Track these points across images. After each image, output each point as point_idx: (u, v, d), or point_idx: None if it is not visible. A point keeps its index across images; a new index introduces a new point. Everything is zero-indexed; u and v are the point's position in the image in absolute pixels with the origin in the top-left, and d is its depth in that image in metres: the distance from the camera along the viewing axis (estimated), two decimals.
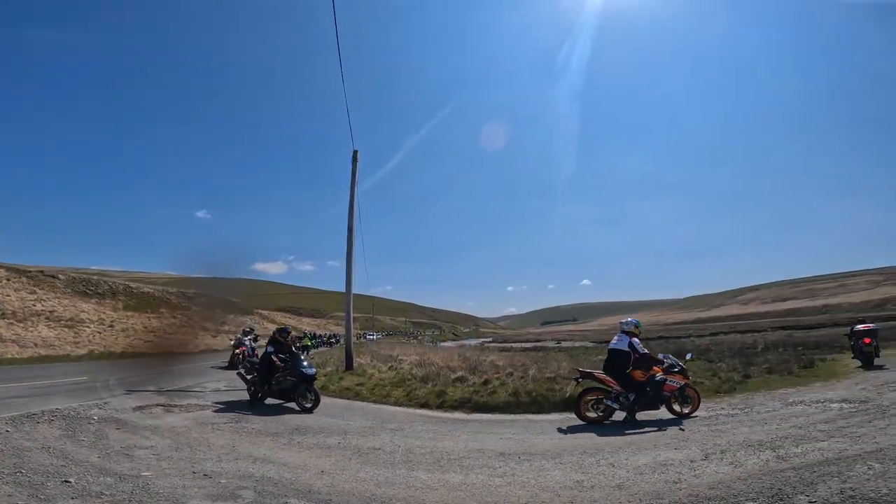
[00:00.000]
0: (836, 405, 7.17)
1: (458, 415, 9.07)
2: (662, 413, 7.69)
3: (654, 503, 3.93)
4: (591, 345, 43.95)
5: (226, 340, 21.75)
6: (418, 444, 6.40)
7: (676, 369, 7.81)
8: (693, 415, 7.52)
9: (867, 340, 12.41)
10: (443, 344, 57.34)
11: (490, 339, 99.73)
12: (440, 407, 9.77)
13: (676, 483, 4.34)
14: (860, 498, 3.38)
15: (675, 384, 7.65)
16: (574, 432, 6.97)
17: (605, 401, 7.57)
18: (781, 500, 3.61)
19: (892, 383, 8.70)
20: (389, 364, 14.92)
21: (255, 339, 19.46)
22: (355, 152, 16.54)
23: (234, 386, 11.62)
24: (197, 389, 11.40)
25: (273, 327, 15.49)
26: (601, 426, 7.26)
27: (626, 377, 7.63)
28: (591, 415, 7.63)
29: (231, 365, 16.85)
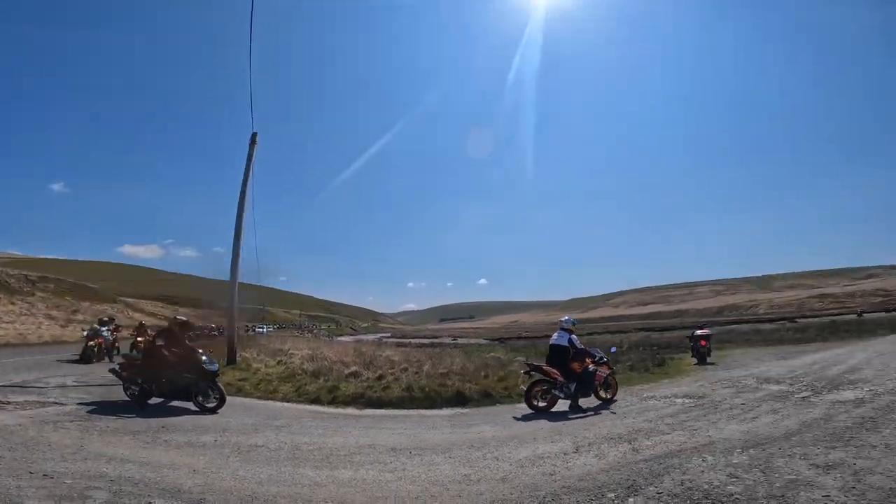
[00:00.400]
0: (679, 400, 8.32)
1: (350, 410, 8.94)
2: (591, 400, 8.62)
3: (533, 494, 4.15)
4: (484, 342, 45.92)
5: (78, 331, 18.86)
6: (306, 440, 6.20)
7: (604, 361, 8.94)
8: (614, 399, 8.76)
9: (703, 343, 15.12)
10: (339, 338, 55.88)
11: (388, 335, 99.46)
12: (332, 402, 9.52)
13: (552, 475, 4.64)
14: (696, 490, 3.89)
15: (602, 374, 8.77)
16: (463, 427, 7.26)
17: (553, 391, 8.34)
18: (636, 490, 4.02)
19: (723, 381, 10.37)
20: (278, 358, 14.13)
21: (117, 330, 17.47)
22: (254, 134, 15.53)
23: (85, 381, 10.30)
24: (37, 385, 9.81)
25: (140, 317, 13.75)
26: (550, 413, 8.01)
27: (567, 369, 8.47)
28: (540, 403, 8.31)
29: (83, 358, 14.82)
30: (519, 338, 56.75)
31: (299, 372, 11.75)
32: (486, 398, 9.65)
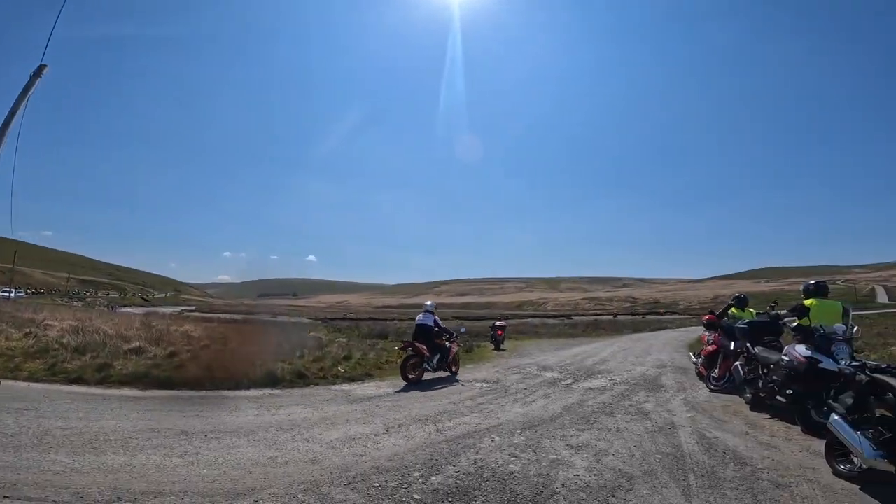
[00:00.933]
0: (479, 385, 9.37)
1: (127, 391, 7.62)
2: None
3: (343, 475, 4.19)
4: (307, 321, 44.13)
5: None
6: (60, 424, 5.22)
7: (454, 339, 10.88)
8: (457, 372, 10.46)
9: (500, 333, 18.39)
10: (124, 309, 47.07)
11: (193, 308, 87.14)
12: (102, 383, 7.95)
13: (362, 456, 4.76)
14: (486, 468, 4.41)
15: (455, 350, 10.59)
16: (271, 409, 6.90)
17: (423, 364, 9.67)
18: (438, 469, 4.37)
19: (514, 368, 12.04)
20: (27, 329, 11.19)
21: None
22: (42, 66, 11.93)
23: None
24: None
25: None
26: (419, 384, 9.21)
27: (433, 345, 10.02)
28: (411, 375, 9.41)
29: None
30: (343, 318, 56.30)
31: (56, 347, 9.52)
32: (300, 379, 9.28)
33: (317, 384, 9.13)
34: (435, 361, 9.86)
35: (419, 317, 10.59)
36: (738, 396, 7.32)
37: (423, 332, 10.16)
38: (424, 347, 9.77)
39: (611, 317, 70.42)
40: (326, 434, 5.58)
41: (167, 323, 15.44)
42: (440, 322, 10.60)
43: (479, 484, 4.02)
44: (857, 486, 3.75)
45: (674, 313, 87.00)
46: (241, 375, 8.80)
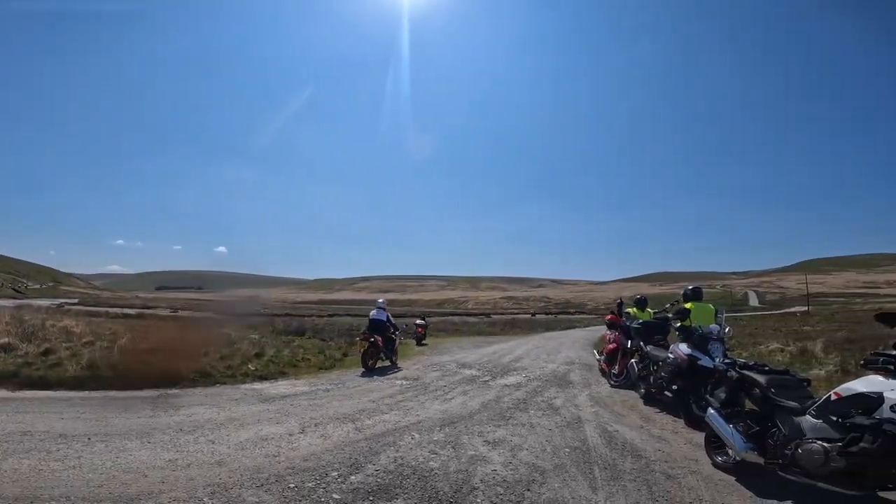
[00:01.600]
0: (399, 382, 9.33)
1: None
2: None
3: (254, 477, 4.02)
4: (216, 316, 40.73)
5: None
6: None
7: (399, 333, 12.47)
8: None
9: (420, 330, 19.16)
10: None
11: (75, 301, 76.67)
12: None
13: (276, 456, 4.58)
14: (406, 466, 4.40)
15: (398, 342, 12.09)
16: (170, 410, 6.37)
17: (379, 354, 10.96)
18: (357, 469, 4.29)
19: (434, 365, 12.15)
20: None
21: None
22: None
23: None
24: None
25: None
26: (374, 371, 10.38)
27: (386, 339, 11.31)
28: (371, 362, 10.63)
29: None
30: (259, 314, 52.92)
31: None
32: (205, 378, 8.61)
33: (224, 383, 8.55)
34: (390, 352, 11.44)
35: (373, 312, 11.92)
36: (634, 392, 7.98)
37: (376, 326, 11.39)
38: (380, 339, 10.99)
39: (528, 316, 74.03)
40: (235, 435, 5.29)
41: (42, 317, 13.54)
42: (391, 317, 12.05)
43: (400, 482, 4.00)
44: (734, 478, 4.06)
45: (582, 313, 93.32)
46: (132, 374, 7.96)
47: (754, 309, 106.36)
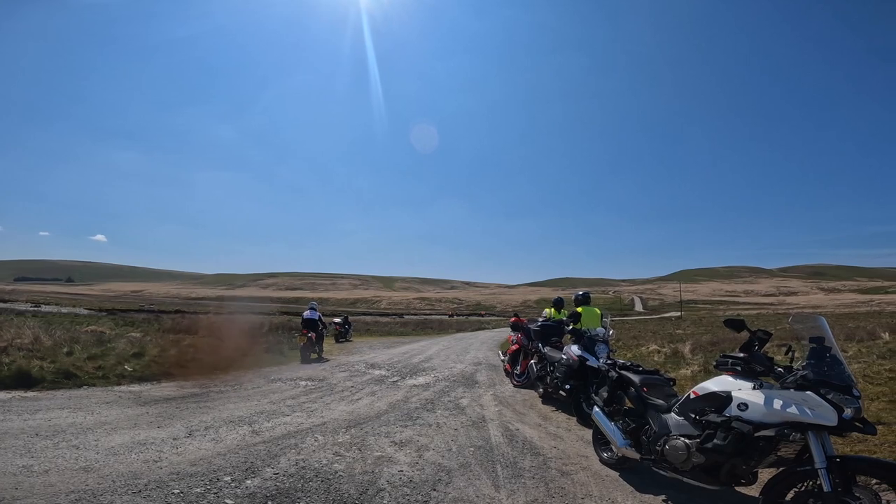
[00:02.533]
0: (303, 383, 8.89)
1: None
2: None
3: (130, 483, 3.65)
4: (85, 312, 35.66)
5: None
6: None
7: (327, 330, 14.77)
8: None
9: (338, 328, 19.70)
10: None
11: None
12: None
13: (157, 462, 4.18)
14: (308, 468, 4.17)
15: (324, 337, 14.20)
16: (24, 414, 5.53)
17: (314, 347, 13.32)
18: (254, 472, 4.01)
19: (342, 365, 11.79)
20: None
21: None
22: None
23: None
24: None
25: None
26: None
27: (319, 334, 13.61)
28: (312, 355, 12.96)
29: None
30: (140, 310, 47.40)
31: None
32: (69, 379, 7.55)
33: (93, 385, 7.56)
34: (319, 346, 13.55)
35: (307, 312, 14.12)
36: (535, 391, 8.40)
37: (311, 323, 13.53)
38: (314, 335, 13.17)
39: (442, 317, 75.39)
40: (106, 440, 4.74)
41: None
42: (322, 317, 14.46)
43: (302, 485, 3.79)
44: (618, 473, 4.31)
45: (492, 315, 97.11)
46: None
47: (639, 314, 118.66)
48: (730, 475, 3.23)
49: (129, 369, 8.41)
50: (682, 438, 3.51)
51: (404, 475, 4.12)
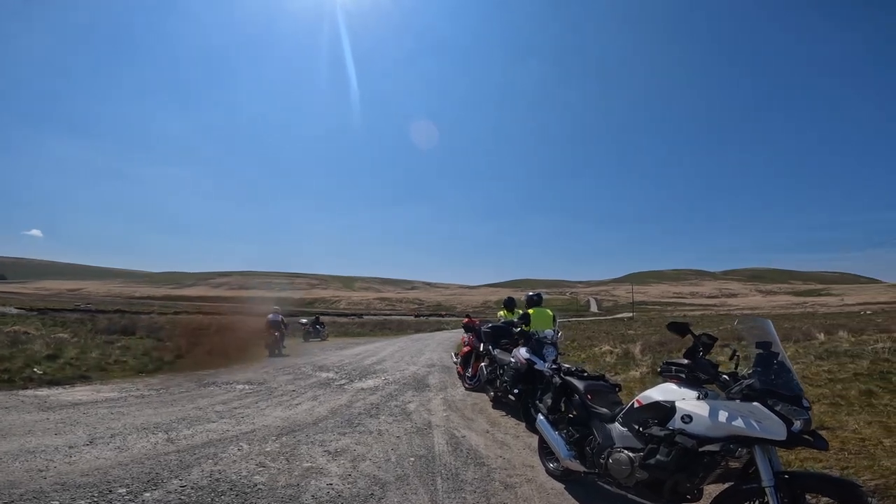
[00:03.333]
0: (240, 387, 8.28)
1: None
2: None
3: (4, 493, 3.27)
4: (13, 311, 32.76)
5: None
6: None
7: (288, 329, 16.72)
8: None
9: (305, 327, 20.51)
10: None
11: None
12: None
13: (43, 471, 3.69)
14: (223, 480, 3.71)
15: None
16: None
17: (279, 345, 15.04)
18: (156, 484, 3.55)
19: (287, 367, 11.17)
20: None
21: None
22: None
23: None
24: None
25: None
26: None
27: (282, 333, 15.54)
28: (276, 351, 14.46)
29: None
30: (75, 309, 44.05)
31: None
32: None
33: None
34: (280, 345, 15.32)
35: (270, 315, 15.65)
36: (485, 394, 8.07)
37: (275, 324, 15.34)
38: (279, 333, 15.19)
39: (401, 317, 74.78)
40: None
41: None
42: (284, 318, 16.31)
43: (212, 499, 3.35)
44: (563, 486, 4.00)
45: (452, 315, 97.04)
46: None
47: (595, 314, 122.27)
48: (673, 492, 2.98)
49: (39, 372, 7.53)
50: (625, 451, 3.24)
51: (333, 489, 3.72)
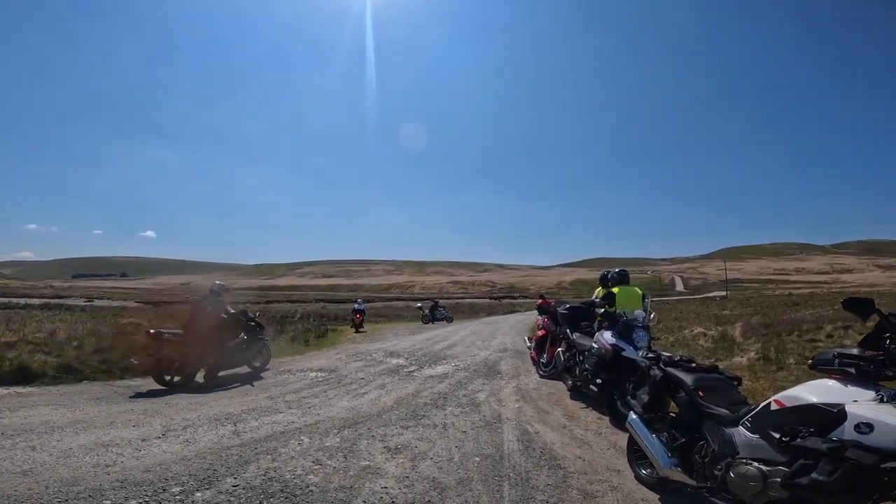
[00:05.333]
0: (312, 374, 8.36)
1: None
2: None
3: (64, 490, 3.21)
4: (134, 304, 37.37)
5: None
6: None
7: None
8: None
9: (358, 316, 19.31)
10: None
11: None
12: None
13: (109, 466, 3.70)
14: (276, 480, 3.52)
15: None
16: (9, 412, 5.22)
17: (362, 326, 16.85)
18: (210, 483, 3.44)
19: (360, 354, 11.24)
20: None
21: None
22: None
23: None
24: None
25: None
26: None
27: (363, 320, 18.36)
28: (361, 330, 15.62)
29: None
30: (185, 301, 49.37)
31: None
32: (69, 374, 7.32)
33: (94, 379, 7.30)
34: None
35: (356, 304, 20.08)
36: (562, 383, 7.35)
37: (360, 311, 19.38)
38: (360, 318, 19.34)
39: (474, 300, 75.30)
40: (68, 440, 4.31)
41: None
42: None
43: (260, 502, 3.16)
44: (657, 496, 3.41)
45: (525, 297, 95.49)
46: None
47: (680, 294, 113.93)
48: None
49: (135, 362, 8.12)
50: (754, 464, 2.54)
51: (387, 494, 3.38)
